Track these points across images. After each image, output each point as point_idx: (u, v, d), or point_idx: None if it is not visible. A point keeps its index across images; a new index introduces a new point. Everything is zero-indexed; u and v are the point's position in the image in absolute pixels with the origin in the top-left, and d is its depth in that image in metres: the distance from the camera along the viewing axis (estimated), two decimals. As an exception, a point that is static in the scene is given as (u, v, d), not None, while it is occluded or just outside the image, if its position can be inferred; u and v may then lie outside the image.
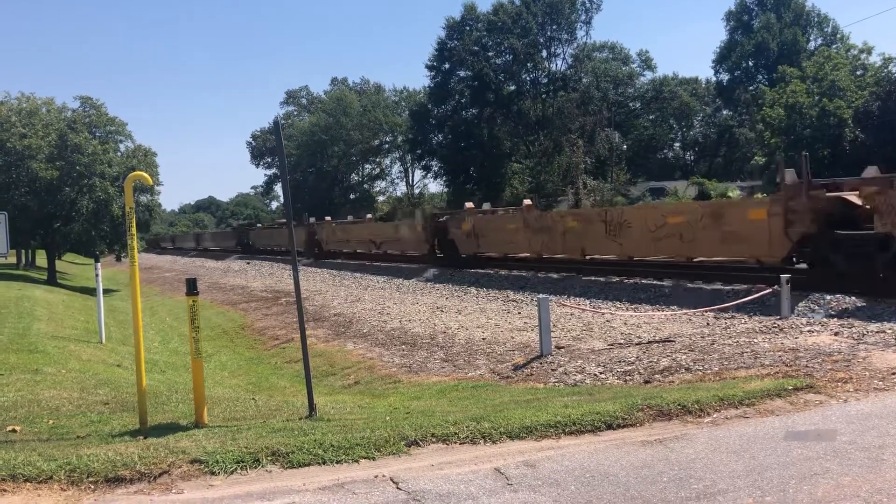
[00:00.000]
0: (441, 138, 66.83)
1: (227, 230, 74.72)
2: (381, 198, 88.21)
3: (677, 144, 78.85)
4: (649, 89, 72.40)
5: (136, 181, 6.92)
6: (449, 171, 65.86)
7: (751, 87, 62.46)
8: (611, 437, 5.67)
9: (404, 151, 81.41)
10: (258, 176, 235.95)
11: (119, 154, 37.02)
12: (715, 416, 6.10)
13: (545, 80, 64.29)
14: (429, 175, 76.00)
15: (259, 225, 62.42)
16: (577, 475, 4.75)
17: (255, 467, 5.01)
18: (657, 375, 8.71)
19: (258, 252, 52.15)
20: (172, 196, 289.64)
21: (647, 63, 74.53)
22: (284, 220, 52.54)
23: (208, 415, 6.76)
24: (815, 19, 63.38)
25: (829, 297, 12.54)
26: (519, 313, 15.17)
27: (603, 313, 13.63)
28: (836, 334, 9.63)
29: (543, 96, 63.15)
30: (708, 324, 11.82)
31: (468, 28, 62.53)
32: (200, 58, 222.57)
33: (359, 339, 14.79)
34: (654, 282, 16.81)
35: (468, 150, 61.72)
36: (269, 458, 5.12)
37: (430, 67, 64.67)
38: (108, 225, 35.62)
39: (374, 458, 5.21)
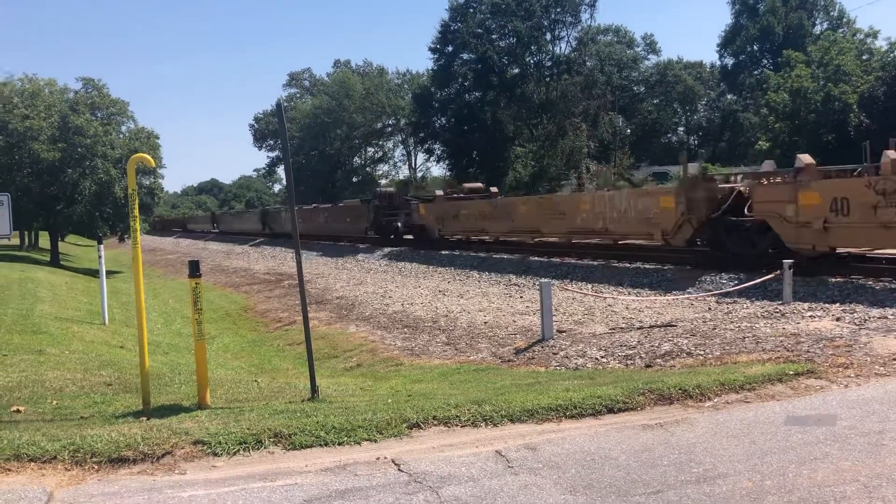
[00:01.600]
0: (444, 121, 66.56)
1: (351, 204, 37.42)
2: (383, 181, 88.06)
3: (681, 129, 78.56)
4: (653, 73, 72.08)
5: (139, 163, 6.91)
6: (452, 154, 65.66)
7: (755, 72, 62.12)
8: (612, 420, 5.69)
9: (407, 135, 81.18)
10: (261, 158, 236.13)
11: (122, 136, 36.98)
12: (716, 400, 6.12)
13: (549, 64, 63.91)
14: (432, 158, 75.84)
15: (438, 193, 29.77)
16: (577, 458, 4.77)
17: (258, 449, 5.04)
18: (658, 360, 8.73)
19: (438, 245, 26.64)
20: (174, 178, 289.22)
21: (652, 47, 74.24)
22: (479, 185, 30.52)
23: (211, 396, 6.79)
24: (821, 3, 62.88)
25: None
26: (521, 297, 15.19)
27: (605, 297, 13.64)
28: (837, 320, 9.63)
29: (547, 80, 62.80)
30: (710, 308, 11.82)
31: (472, 10, 62.09)
32: (203, 40, 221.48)
33: (361, 321, 14.83)
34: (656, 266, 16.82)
35: (471, 134, 61.48)
36: (271, 439, 5.15)
37: (433, 50, 64.32)
38: (110, 207, 35.66)
39: (375, 441, 5.24)
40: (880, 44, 45.29)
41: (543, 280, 10.61)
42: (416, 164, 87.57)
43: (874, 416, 5.43)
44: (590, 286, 15.85)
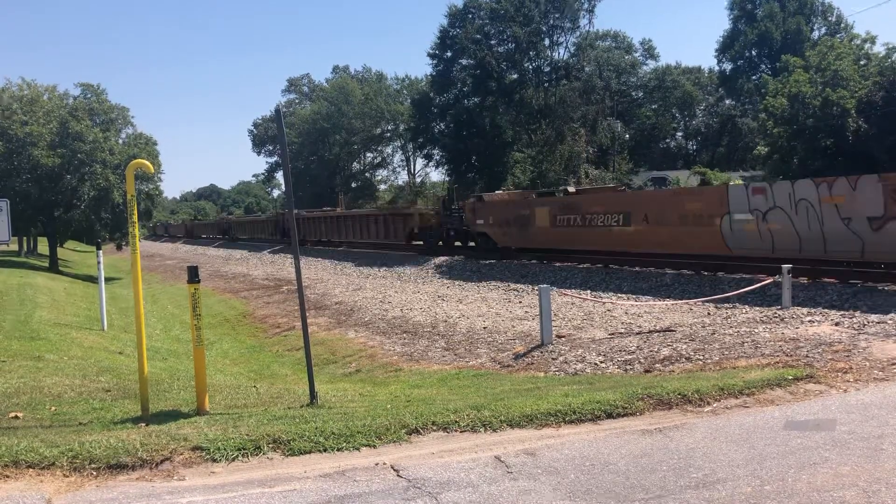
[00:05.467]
0: (443, 127, 66.58)
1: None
2: (382, 186, 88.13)
3: (680, 134, 78.64)
4: (652, 78, 72.18)
5: (138, 169, 6.91)
6: (451, 159, 65.68)
7: (754, 77, 62.20)
8: (611, 425, 5.69)
9: (406, 140, 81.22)
10: (259, 164, 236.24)
11: (120, 142, 37.01)
12: (715, 405, 6.11)
13: (548, 69, 63.99)
14: (430, 164, 75.85)
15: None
16: (576, 463, 4.76)
17: (257, 454, 5.03)
18: (657, 365, 8.73)
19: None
20: (173, 184, 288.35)
21: (650, 52, 74.34)
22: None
23: (210, 402, 6.79)
24: (820, 8, 63.02)
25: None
26: (520, 302, 15.18)
27: (604, 302, 13.63)
28: (836, 324, 9.64)
29: (546, 85, 62.88)
30: (709, 313, 11.83)
31: (470, 16, 62.17)
32: (202, 46, 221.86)
33: (360, 327, 14.82)
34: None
35: (470, 139, 61.49)
36: (270, 445, 5.14)
37: (432, 56, 64.38)
38: (109, 212, 35.65)
39: (374, 446, 5.24)
40: (878, 49, 45.31)
41: (542, 285, 10.61)
42: (415, 170, 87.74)
43: (873, 421, 5.43)
44: (589, 291, 15.85)
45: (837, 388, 6.55)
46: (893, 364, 7.24)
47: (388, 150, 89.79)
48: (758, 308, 11.75)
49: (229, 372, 12.24)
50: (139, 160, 7.09)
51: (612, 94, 64.80)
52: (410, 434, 5.49)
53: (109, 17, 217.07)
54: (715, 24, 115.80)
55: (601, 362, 9.32)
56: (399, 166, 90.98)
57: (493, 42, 62.39)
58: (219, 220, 67.01)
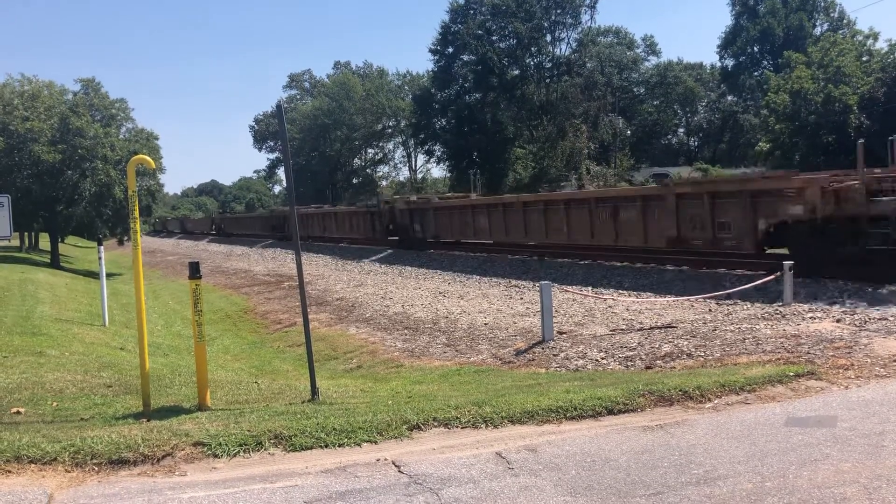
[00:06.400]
0: (444, 123, 66.63)
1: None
2: (383, 182, 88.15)
3: (681, 130, 78.73)
4: (654, 74, 72.24)
5: (139, 165, 6.91)
6: (452, 155, 65.69)
7: (756, 73, 62.24)
8: (612, 422, 5.69)
9: (407, 136, 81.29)
10: (261, 160, 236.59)
11: (121, 137, 37.04)
12: (716, 401, 6.11)
13: (549, 65, 64.01)
14: (432, 160, 75.91)
15: None
16: (577, 460, 4.77)
17: (258, 450, 5.03)
18: (659, 361, 8.73)
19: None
20: (174, 179, 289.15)
21: (652, 48, 74.49)
22: None
23: (211, 398, 6.79)
24: (822, 4, 62.97)
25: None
26: (521, 299, 15.17)
27: (605, 299, 13.62)
28: (837, 321, 9.63)
29: (547, 81, 62.87)
30: (710, 310, 11.81)
31: (472, 12, 62.20)
32: (203, 42, 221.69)
33: (361, 323, 14.83)
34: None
35: (471, 135, 61.53)
36: (271, 441, 5.15)
37: (433, 51, 64.40)
38: (110, 208, 35.70)
39: (376, 442, 5.24)
40: (880, 45, 45.20)
41: (543, 282, 10.61)
42: (416, 166, 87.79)
43: (874, 418, 5.43)
44: (590, 287, 15.83)
45: (839, 384, 6.55)
46: (895, 360, 7.24)
47: (390, 146, 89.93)
48: (759, 305, 11.73)
49: (230, 368, 12.25)
50: (140, 156, 7.09)
51: (614, 90, 64.82)
52: (412, 430, 5.49)
53: (109, 15, 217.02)
54: (717, 21, 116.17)
55: (602, 359, 9.32)
56: (400, 162, 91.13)
57: (494, 38, 62.39)
58: (269, 212, 51.09)
